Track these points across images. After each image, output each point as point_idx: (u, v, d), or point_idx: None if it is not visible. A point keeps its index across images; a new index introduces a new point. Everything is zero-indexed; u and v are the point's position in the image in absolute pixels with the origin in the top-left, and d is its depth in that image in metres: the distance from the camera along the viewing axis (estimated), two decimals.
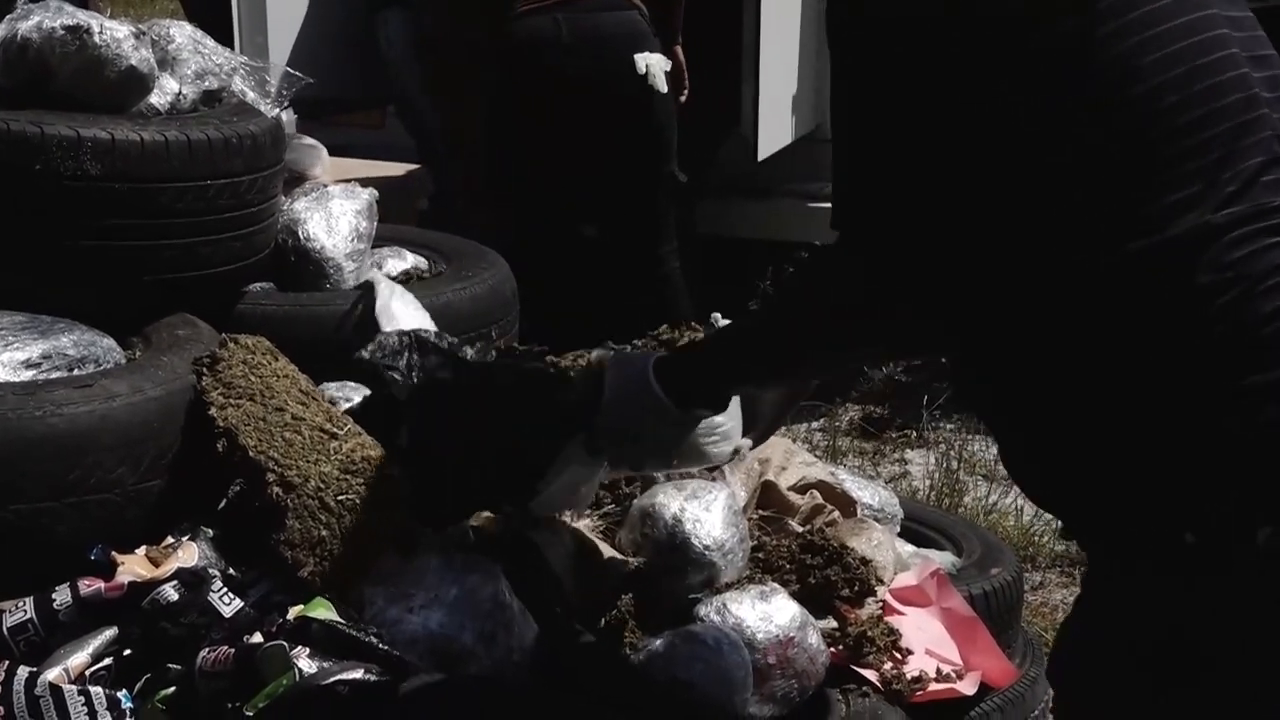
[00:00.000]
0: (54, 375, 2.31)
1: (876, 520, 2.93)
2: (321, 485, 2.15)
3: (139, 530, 2.22)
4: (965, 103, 1.58)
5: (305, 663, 1.95)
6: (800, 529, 2.76)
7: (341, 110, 5.04)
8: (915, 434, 4.62)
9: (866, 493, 3.04)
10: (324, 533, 2.15)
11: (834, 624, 2.50)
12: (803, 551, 2.53)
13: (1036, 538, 4.22)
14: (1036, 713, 2.80)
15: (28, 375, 2.29)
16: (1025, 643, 2.95)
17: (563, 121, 4.14)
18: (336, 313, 2.79)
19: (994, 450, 4.56)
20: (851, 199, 1.71)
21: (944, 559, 2.96)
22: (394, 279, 3.01)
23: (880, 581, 2.62)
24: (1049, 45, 1.56)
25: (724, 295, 3.94)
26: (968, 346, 1.74)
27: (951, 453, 4.56)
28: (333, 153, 4.30)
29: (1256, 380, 1.51)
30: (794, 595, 2.46)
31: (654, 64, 4.29)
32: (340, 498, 2.16)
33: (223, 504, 2.33)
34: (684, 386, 1.90)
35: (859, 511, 2.92)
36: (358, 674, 1.96)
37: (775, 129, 5.01)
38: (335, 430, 2.23)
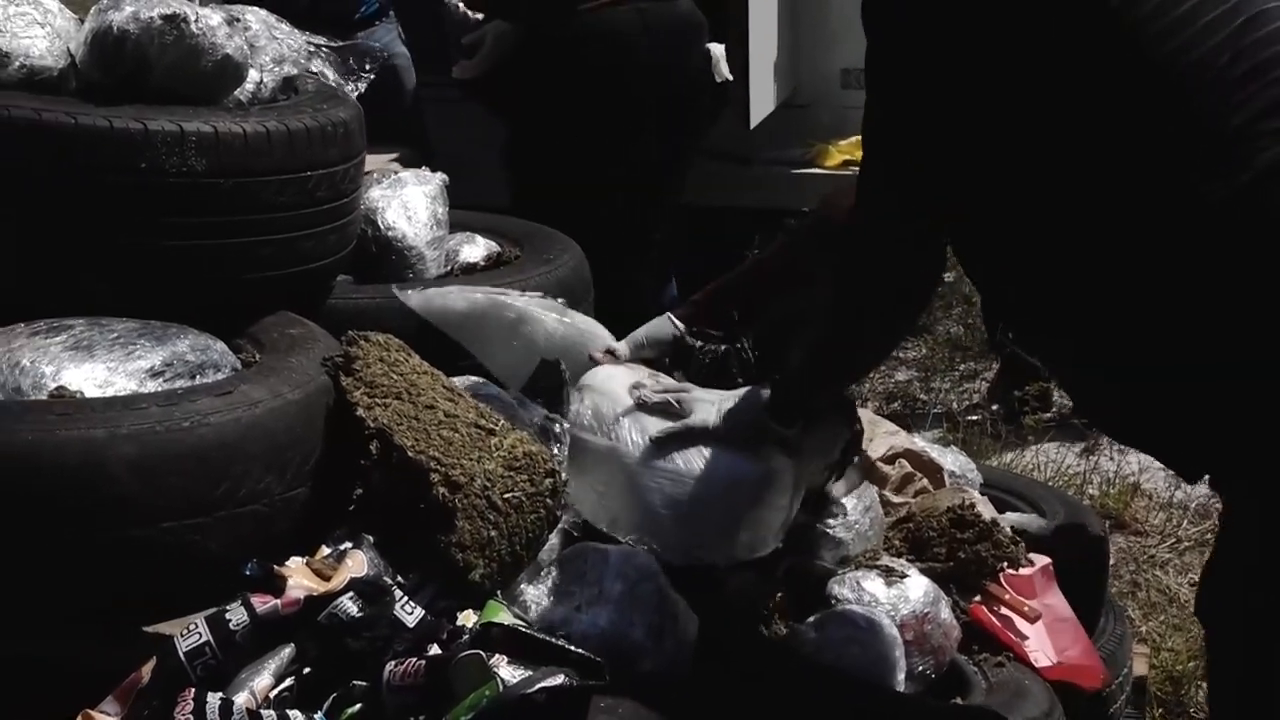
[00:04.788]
0: (177, 384, 2.19)
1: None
2: (488, 484, 2.07)
3: (286, 541, 2.12)
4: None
5: (505, 671, 1.87)
6: (895, 499, 2.74)
7: None
8: None
9: (947, 458, 3.02)
10: (493, 533, 2.07)
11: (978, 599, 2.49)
12: (952, 526, 2.50)
13: None
14: (1126, 670, 2.82)
15: (153, 385, 2.17)
16: (1107, 601, 2.97)
17: (630, 109, 4.04)
18: None
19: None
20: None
21: (1031, 522, 2.94)
22: (477, 265, 2.92)
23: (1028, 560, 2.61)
24: None
25: (709, 264, 3.92)
26: (1054, 315, 1.75)
27: None
28: None
29: None
30: (941, 573, 2.44)
31: (719, 53, 4.29)
32: (506, 495, 2.08)
33: (354, 507, 2.23)
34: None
35: (945, 479, 2.90)
36: (558, 680, 1.89)
37: (763, 94, 4.96)
38: (491, 426, 2.14)
